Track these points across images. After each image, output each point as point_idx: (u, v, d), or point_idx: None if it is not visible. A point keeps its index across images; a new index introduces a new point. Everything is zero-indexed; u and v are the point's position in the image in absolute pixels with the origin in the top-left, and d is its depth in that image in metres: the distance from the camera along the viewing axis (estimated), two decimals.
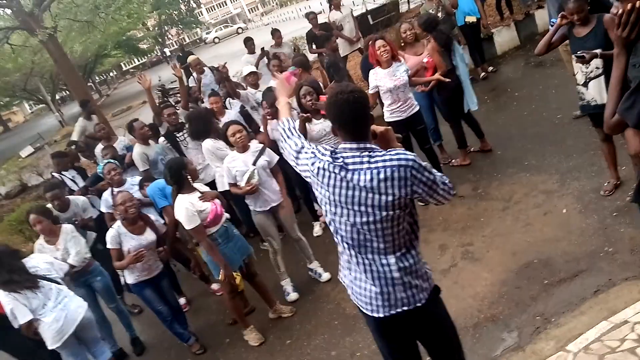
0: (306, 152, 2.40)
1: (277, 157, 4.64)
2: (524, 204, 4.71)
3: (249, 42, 9.02)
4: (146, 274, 4.47)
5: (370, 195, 2.17)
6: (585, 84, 4.05)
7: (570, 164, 4.98)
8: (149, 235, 4.44)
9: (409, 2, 13.74)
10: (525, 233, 4.33)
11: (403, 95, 5.16)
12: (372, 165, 2.15)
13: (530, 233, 4.31)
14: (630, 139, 2.06)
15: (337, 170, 2.22)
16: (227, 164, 4.58)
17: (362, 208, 2.20)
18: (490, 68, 8.43)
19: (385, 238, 2.24)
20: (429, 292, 2.35)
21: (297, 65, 6.09)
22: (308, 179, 2.41)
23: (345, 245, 2.35)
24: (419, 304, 2.31)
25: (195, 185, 4.25)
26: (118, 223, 4.40)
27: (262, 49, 8.84)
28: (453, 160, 5.92)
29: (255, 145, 4.64)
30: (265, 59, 8.53)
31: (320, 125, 4.76)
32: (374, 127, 2.29)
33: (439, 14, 7.43)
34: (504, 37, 9.24)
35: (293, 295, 4.77)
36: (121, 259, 4.32)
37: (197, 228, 4.03)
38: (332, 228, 2.38)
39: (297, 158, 2.44)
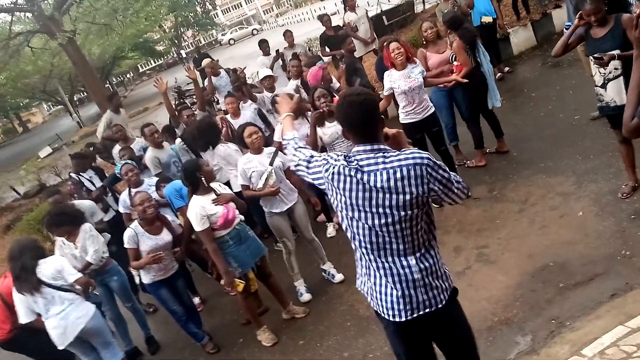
0: (317, 160, 2.40)
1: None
2: (540, 206, 4.67)
3: (263, 44, 9.08)
4: (162, 274, 4.52)
5: (387, 195, 2.17)
6: (604, 85, 4.00)
7: (588, 165, 4.92)
8: (166, 236, 4.49)
9: (424, 3, 13.69)
10: (541, 235, 4.29)
11: (418, 97, 5.14)
12: (388, 165, 2.16)
13: (546, 235, 4.26)
14: None
15: (352, 173, 2.22)
16: (242, 166, 4.60)
17: (380, 209, 2.20)
18: (507, 68, 8.36)
19: (405, 239, 2.24)
20: (448, 293, 2.35)
21: (308, 66, 6.12)
22: (322, 187, 2.41)
23: (364, 250, 2.33)
24: (440, 306, 2.31)
25: (213, 185, 4.28)
26: (135, 223, 4.46)
27: (277, 51, 8.90)
28: (468, 162, 5.88)
29: (269, 148, 4.70)
30: (280, 61, 8.58)
31: (333, 129, 4.75)
32: (385, 129, 2.30)
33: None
34: (521, 37, 9.15)
35: (306, 296, 4.78)
36: (138, 259, 4.37)
37: (205, 231, 4.06)
38: (349, 234, 2.37)
39: (308, 167, 2.44)
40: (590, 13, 3.83)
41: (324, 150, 4.76)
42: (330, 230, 5.69)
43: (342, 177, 2.25)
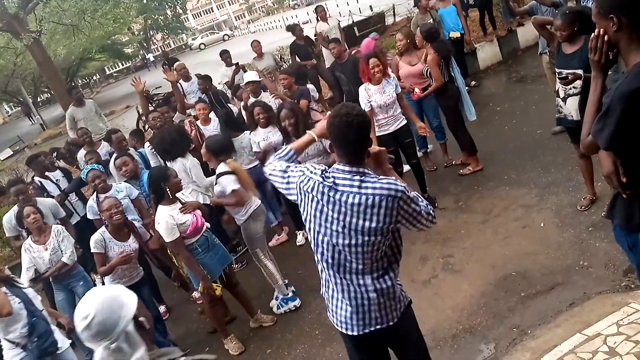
0: (293, 171, 2.41)
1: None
2: (504, 218, 4.81)
3: (225, 55, 8.80)
4: (126, 281, 4.43)
5: (354, 219, 2.21)
6: (564, 99, 4.17)
7: (549, 178, 5.10)
8: (133, 243, 4.42)
9: (394, 15, 13.91)
10: (504, 246, 4.42)
11: (392, 110, 5.24)
12: (362, 191, 2.19)
13: (509, 246, 4.39)
14: (602, 160, 2.14)
15: (326, 190, 2.25)
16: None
17: (346, 230, 2.24)
18: (473, 82, 8.58)
19: (365, 261, 2.29)
20: (401, 311, 2.44)
21: (288, 74, 6.14)
22: (292, 197, 2.42)
23: (325, 265, 2.39)
24: (391, 323, 2.40)
25: (177, 195, 4.23)
26: (103, 228, 4.37)
27: (237, 63, 8.70)
28: (464, 169, 5.88)
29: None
30: (241, 73, 8.46)
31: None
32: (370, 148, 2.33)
33: None
34: (487, 53, 9.42)
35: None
36: (105, 264, 4.28)
37: (176, 241, 4.02)
38: (312, 246, 2.42)
39: (282, 177, 2.43)
40: (558, 29, 4.00)
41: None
42: (300, 239, 5.70)
43: (314, 192, 2.28)
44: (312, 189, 2.28)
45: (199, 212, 4.21)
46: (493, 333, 3.56)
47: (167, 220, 3.98)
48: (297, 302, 4.67)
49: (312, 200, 2.30)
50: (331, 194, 2.24)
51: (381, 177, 2.26)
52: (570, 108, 4.11)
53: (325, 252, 2.34)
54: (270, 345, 4.34)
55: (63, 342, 3.85)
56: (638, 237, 2.21)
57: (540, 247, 4.22)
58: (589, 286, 3.62)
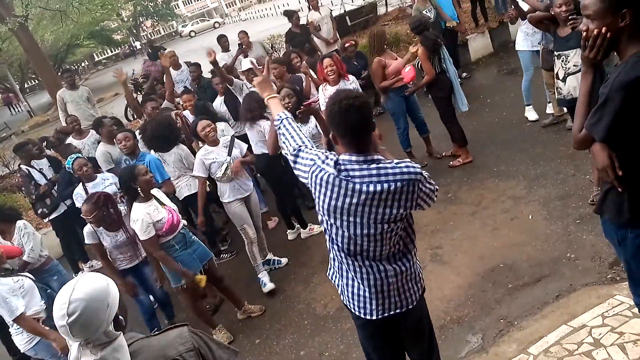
0: (305, 156, 2.30)
1: (246, 146, 4.91)
2: (492, 209, 4.83)
3: (222, 39, 8.75)
4: (127, 263, 4.40)
5: (374, 209, 2.14)
6: (564, 79, 4.27)
7: (538, 171, 5.13)
8: (124, 233, 4.35)
9: (386, 5, 13.83)
10: (493, 237, 4.45)
11: None
12: (383, 178, 2.11)
13: (497, 238, 4.42)
14: (597, 153, 2.13)
15: (343, 184, 2.15)
16: (200, 157, 4.72)
17: (365, 220, 2.17)
18: (464, 74, 8.58)
19: (383, 247, 2.25)
20: (419, 294, 2.43)
21: (279, 63, 6.08)
22: (304, 180, 2.33)
23: (341, 255, 2.32)
24: (410, 307, 2.39)
25: (153, 191, 4.15)
26: None
27: (240, 44, 8.60)
28: (454, 161, 5.91)
29: (224, 139, 4.83)
30: (242, 57, 8.41)
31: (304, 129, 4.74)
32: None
33: (431, 15, 7.58)
34: (478, 44, 9.43)
35: (270, 286, 4.80)
36: (104, 254, 4.27)
37: (151, 239, 3.96)
38: (326, 236, 2.35)
39: (295, 162, 2.35)
40: (563, 3, 4.12)
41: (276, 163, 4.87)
42: (291, 236, 5.64)
43: (329, 186, 2.18)
44: (327, 182, 2.18)
45: (175, 209, 4.16)
46: (480, 324, 3.59)
47: (143, 219, 3.92)
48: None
49: (326, 193, 2.19)
50: (349, 186, 2.14)
51: (397, 161, 2.17)
52: (570, 87, 4.20)
53: (340, 244, 2.28)
54: (259, 335, 4.35)
55: None
56: (627, 232, 2.23)
57: (528, 238, 4.25)
58: (575, 278, 3.66)
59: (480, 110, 7.08)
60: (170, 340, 1.69)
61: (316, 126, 4.69)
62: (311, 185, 2.27)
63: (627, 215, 2.17)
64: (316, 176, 2.22)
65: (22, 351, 3.79)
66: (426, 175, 2.20)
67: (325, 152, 2.29)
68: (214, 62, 5.79)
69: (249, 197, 4.86)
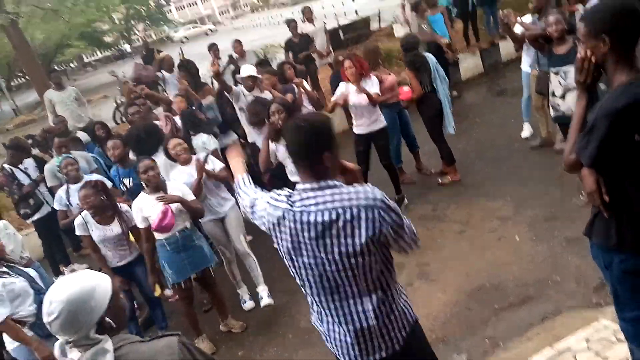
0: (260, 204, 2.19)
1: (221, 164, 4.66)
2: (480, 229, 4.86)
3: (213, 48, 8.64)
4: (118, 261, 4.36)
5: (335, 240, 1.96)
6: (563, 96, 4.39)
7: (525, 192, 5.17)
8: (115, 227, 4.29)
9: (379, 21, 13.96)
10: (480, 257, 4.46)
11: (367, 112, 5.31)
12: (337, 204, 1.94)
13: (484, 257, 4.44)
14: (585, 178, 2.17)
15: (297, 217, 2.01)
16: (173, 177, 4.58)
17: (330, 256, 1.99)
18: (454, 93, 8.66)
19: (359, 285, 2.04)
20: (407, 330, 2.18)
21: (271, 74, 6.04)
22: (266, 230, 2.20)
23: (317, 298, 2.15)
24: (397, 348, 2.15)
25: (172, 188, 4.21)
26: (85, 212, 4.28)
27: (230, 56, 8.60)
28: (443, 179, 5.93)
29: (197, 155, 4.70)
30: (231, 67, 8.38)
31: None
32: (345, 162, 2.13)
33: (428, 30, 7.78)
34: (469, 64, 9.55)
35: (249, 304, 4.75)
36: (94, 247, 4.28)
37: (143, 230, 4.14)
38: (298, 281, 2.18)
39: (252, 213, 2.25)
40: (553, 22, 4.36)
41: (280, 165, 4.71)
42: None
43: (285, 222, 2.04)
44: (282, 220, 2.05)
45: (173, 208, 4.07)
46: (466, 343, 3.58)
47: (137, 211, 4.13)
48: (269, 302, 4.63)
49: (284, 233, 2.06)
50: (304, 218, 1.98)
51: (355, 185, 2.01)
52: (570, 103, 4.27)
53: (313, 284, 2.10)
54: (242, 347, 4.30)
55: None
56: (613, 256, 2.25)
57: (514, 259, 4.27)
58: (560, 300, 3.68)
59: (469, 129, 7.15)
60: (159, 349, 1.66)
61: None
62: (271, 233, 2.13)
63: (614, 239, 2.20)
64: (270, 221, 2.11)
65: (7, 349, 3.69)
66: (390, 204, 1.97)
67: (278, 191, 2.15)
68: (217, 73, 5.74)
69: (226, 218, 4.67)
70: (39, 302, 3.61)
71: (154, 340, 1.71)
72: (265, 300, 4.64)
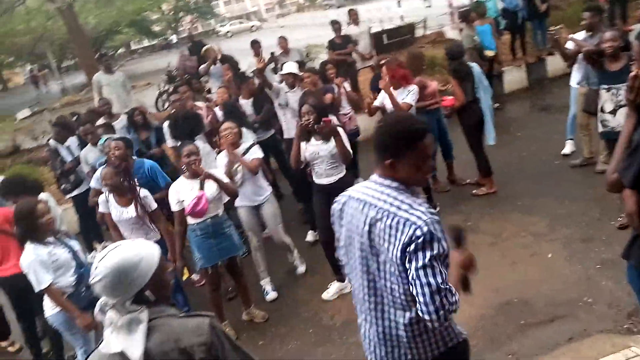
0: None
1: (261, 154, 4.74)
2: (512, 243, 4.77)
3: (255, 45, 8.54)
4: None
5: (377, 238, 1.98)
6: (614, 112, 4.37)
7: (563, 210, 5.05)
8: (131, 210, 4.33)
9: (425, 28, 13.84)
10: (510, 271, 4.38)
11: None
12: (387, 206, 1.95)
13: (515, 272, 4.36)
14: (626, 199, 2.11)
15: (355, 205, 2.08)
16: (219, 161, 4.74)
17: (373, 251, 2.01)
18: (496, 105, 8.52)
19: (394, 294, 2.00)
20: (440, 350, 2.11)
21: (312, 72, 6.04)
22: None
23: (357, 292, 2.17)
24: None
25: (212, 171, 4.31)
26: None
27: (272, 54, 8.65)
28: (477, 190, 5.88)
29: (244, 145, 4.77)
30: (272, 64, 8.44)
31: (314, 148, 4.45)
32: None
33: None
34: (514, 77, 9.39)
35: (272, 295, 4.81)
36: (114, 225, 4.37)
37: (176, 213, 4.24)
38: (347, 269, 2.24)
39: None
40: (609, 39, 4.37)
41: (307, 165, 4.71)
42: (310, 237, 5.66)
43: (344, 208, 2.15)
44: (344, 204, 2.16)
45: (205, 197, 4.13)
46: (488, 357, 3.52)
47: (172, 195, 4.22)
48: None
49: (341, 221, 2.17)
50: (360, 207, 2.05)
51: (417, 201, 1.96)
52: (621, 119, 4.19)
53: (359, 277, 2.11)
54: (264, 338, 4.34)
55: None
56: None
57: (546, 276, 4.18)
58: (590, 323, 3.58)
59: (509, 142, 7.02)
60: (189, 328, 1.69)
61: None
62: (336, 222, 2.22)
63: None
64: (338, 205, 2.21)
65: (46, 316, 3.82)
66: (433, 242, 1.83)
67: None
68: (261, 70, 5.83)
69: (261, 206, 4.78)
70: (78, 275, 3.74)
71: (187, 317, 1.75)
72: (271, 294, 4.84)
